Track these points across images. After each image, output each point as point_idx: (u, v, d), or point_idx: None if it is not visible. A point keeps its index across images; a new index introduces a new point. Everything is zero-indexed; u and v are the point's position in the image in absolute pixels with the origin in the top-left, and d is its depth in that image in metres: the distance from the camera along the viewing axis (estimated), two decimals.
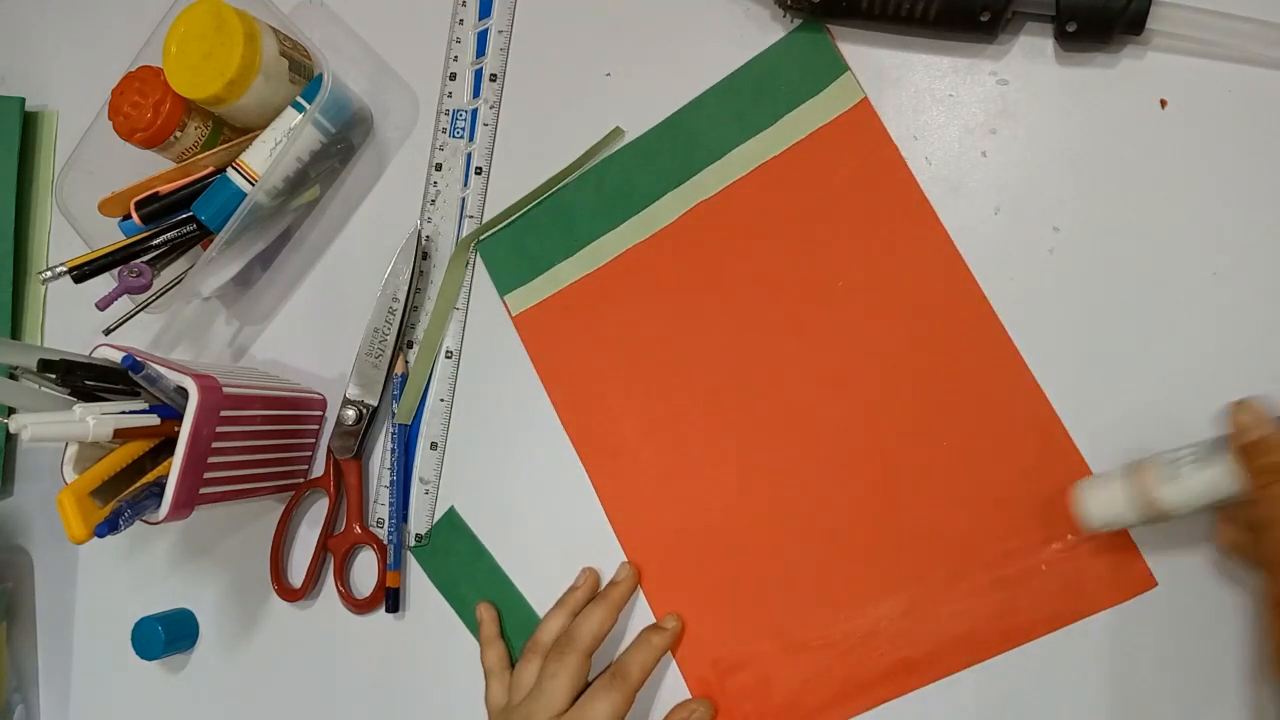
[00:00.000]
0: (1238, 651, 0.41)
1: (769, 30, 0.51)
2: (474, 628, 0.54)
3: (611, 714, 0.45)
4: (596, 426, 0.53)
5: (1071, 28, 0.43)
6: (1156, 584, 0.42)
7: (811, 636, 0.48)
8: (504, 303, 0.55)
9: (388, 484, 0.57)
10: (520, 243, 0.55)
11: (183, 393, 0.49)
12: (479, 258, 0.56)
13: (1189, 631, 0.42)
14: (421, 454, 0.56)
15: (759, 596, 0.49)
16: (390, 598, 0.55)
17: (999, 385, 0.45)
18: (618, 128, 0.53)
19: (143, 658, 0.59)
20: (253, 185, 0.54)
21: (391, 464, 0.56)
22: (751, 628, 0.49)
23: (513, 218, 0.56)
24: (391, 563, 0.55)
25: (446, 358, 0.56)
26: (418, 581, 0.56)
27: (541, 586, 0.53)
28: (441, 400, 0.56)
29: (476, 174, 0.57)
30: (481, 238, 0.56)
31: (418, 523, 0.56)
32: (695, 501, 0.50)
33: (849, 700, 0.47)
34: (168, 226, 0.56)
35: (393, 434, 0.56)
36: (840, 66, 0.49)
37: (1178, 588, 0.42)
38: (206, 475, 0.50)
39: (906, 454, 0.47)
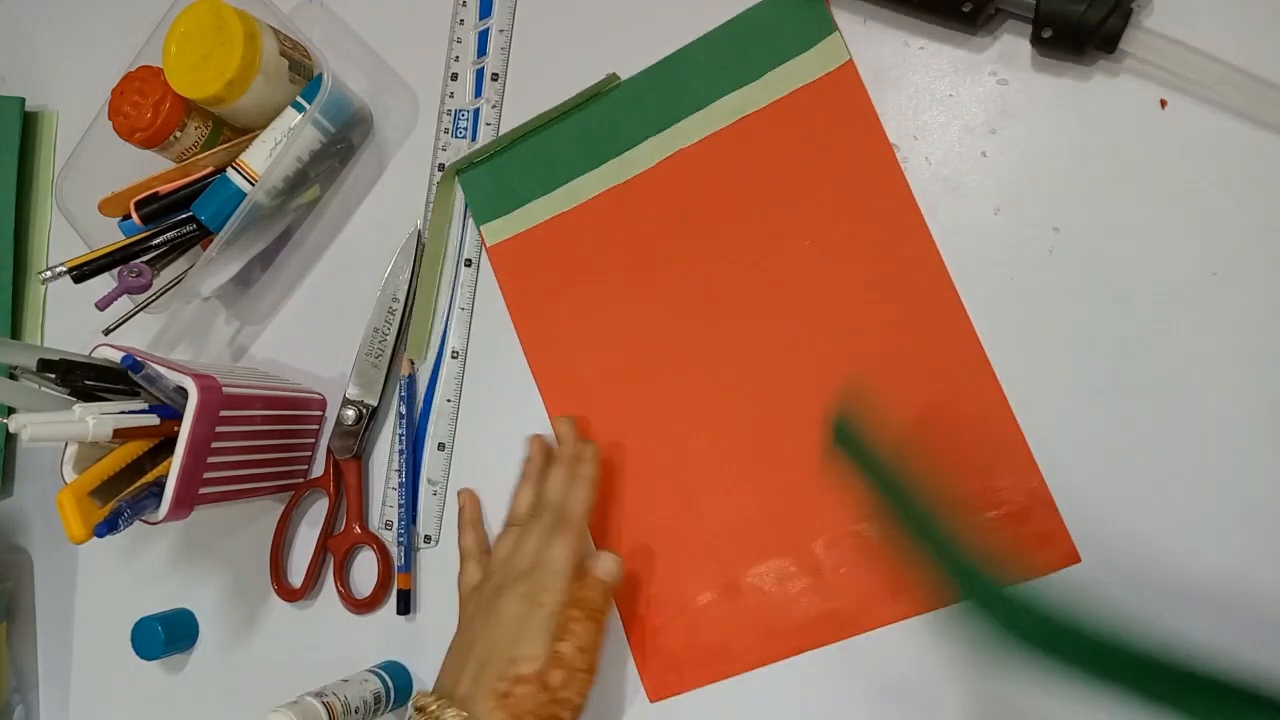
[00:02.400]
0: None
1: None
2: None
3: (569, 555, 0.46)
4: (559, 363, 0.54)
5: (1047, 34, 0.43)
6: (1081, 560, 0.43)
7: (747, 583, 0.49)
8: (480, 232, 0.56)
9: (395, 486, 0.57)
10: (501, 175, 0.56)
11: (182, 393, 0.49)
12: (460, 188, 0.57)
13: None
14: (429, 455, 0.56)
15: (702, 540, 0.50)
16: (401, 599, 0.55)
17: (951, 355, 0.46)
18: (614, 74, 0.53)
19: (143, 658, 0.59)
20: (253, 185, 0.54)
21: (400, 465, 0.56)
22: (691, 569, 0.50)
23: (497, 149, 0.56)
24: (402, 564, 0.55)
25: (453, 358, 0.56)
26: (420, 582, 0.56)
27: None
28: (449, 400, 0.56)
29: None
30: (462, 169, 0.56)
31: (426, 524, 0.56)
32: (648, 443, 0.51)
33: (773, 645, 0.48)
34: (168, 226, 0.56)
35: (400, 434, 0.56)
36: (829, 26, 0.49)
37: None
38: (206, 475, 0.50)
39: None
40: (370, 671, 0.53)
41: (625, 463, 0.52)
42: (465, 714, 0.42)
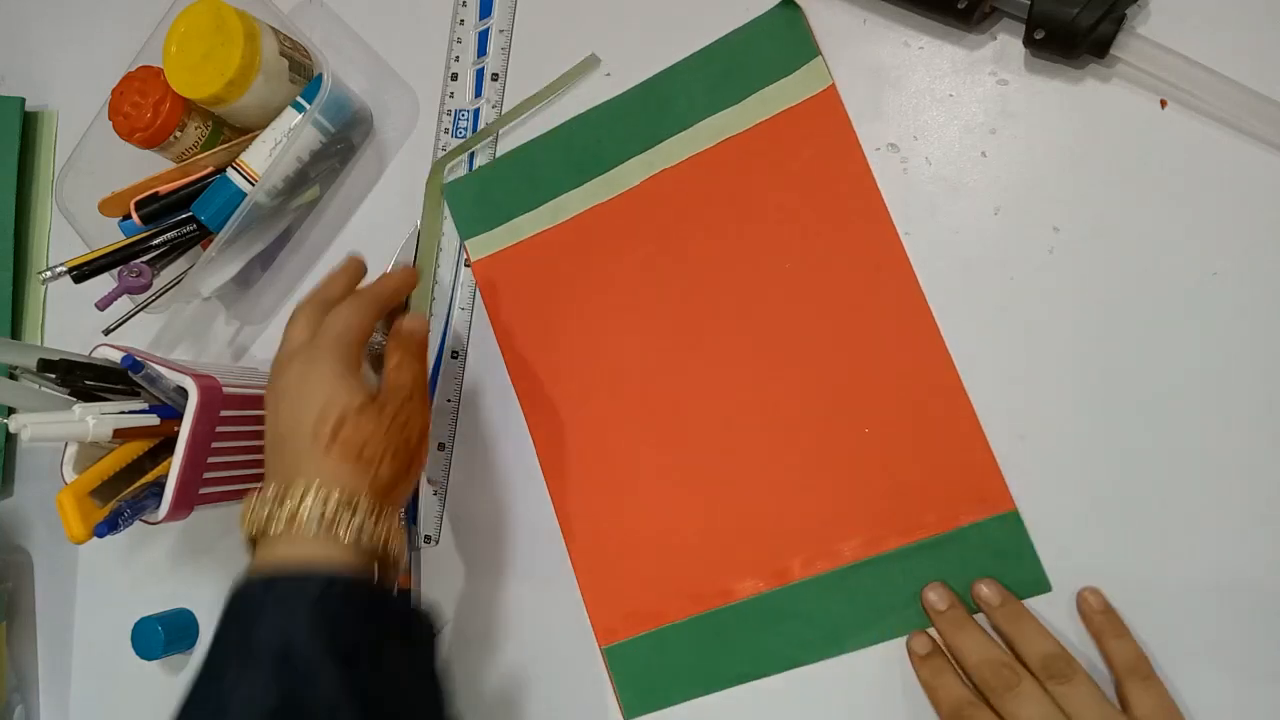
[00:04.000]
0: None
1: None
2: None
3: (352, 317, 0.45)
4: (541, 379, 0.54)
5: (1040, 35, 0.44)
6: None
7: (718, 597, 0.49)
8: (464, 247, 0.56)
9: None
10: (486, 190, 0.56)
11: (182, 393, 0.49)
12: (446, 199, 0.57)
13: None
14: (429, 455, 0.56)
15: (678, 555, 0.50)
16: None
17: (925, 376, 0.46)
18: (593, 54, 0.53)
19: (143, 658, 0.59)
20: (253, 185, 0.54)
21: None
22: (667, 583, 0.50)
23: (479, 144, 0.56)
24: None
25: (452, 358, 0.56)
26: (422, 582, 0.56)
27: (539, 584, 0.53)
28: (449, 400, 0.56)
29: None
30: (449, 180, 0.57)
31: (426, 524, 0.56)
32: (626, 460, 0.51)
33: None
34: (168, 226, 0.56)
35: None
36: (811, 50, 0.49)
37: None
38: (206, 475, 0.50)
39: (827, 434, 0.48)
40: None
41: (602, 478, 0.52)
42: (303, 481, 0.39)
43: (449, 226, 0.57)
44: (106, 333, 0.56)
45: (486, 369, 0.56)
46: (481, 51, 0.58)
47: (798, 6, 0.50)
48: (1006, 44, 0.47)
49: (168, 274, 0.57)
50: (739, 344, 0.50)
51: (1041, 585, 0.44)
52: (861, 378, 0.47)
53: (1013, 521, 0.44)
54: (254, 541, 0.40)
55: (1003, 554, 0.44)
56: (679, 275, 0.51)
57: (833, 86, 0.49)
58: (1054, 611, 0.43)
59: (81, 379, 0.50)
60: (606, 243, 0.53)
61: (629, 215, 0.52)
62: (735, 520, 0.49)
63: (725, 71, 0.51)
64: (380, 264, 0.57)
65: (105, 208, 0.57)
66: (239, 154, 0.55)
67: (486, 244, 0.56)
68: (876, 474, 0.47)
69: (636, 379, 0.52)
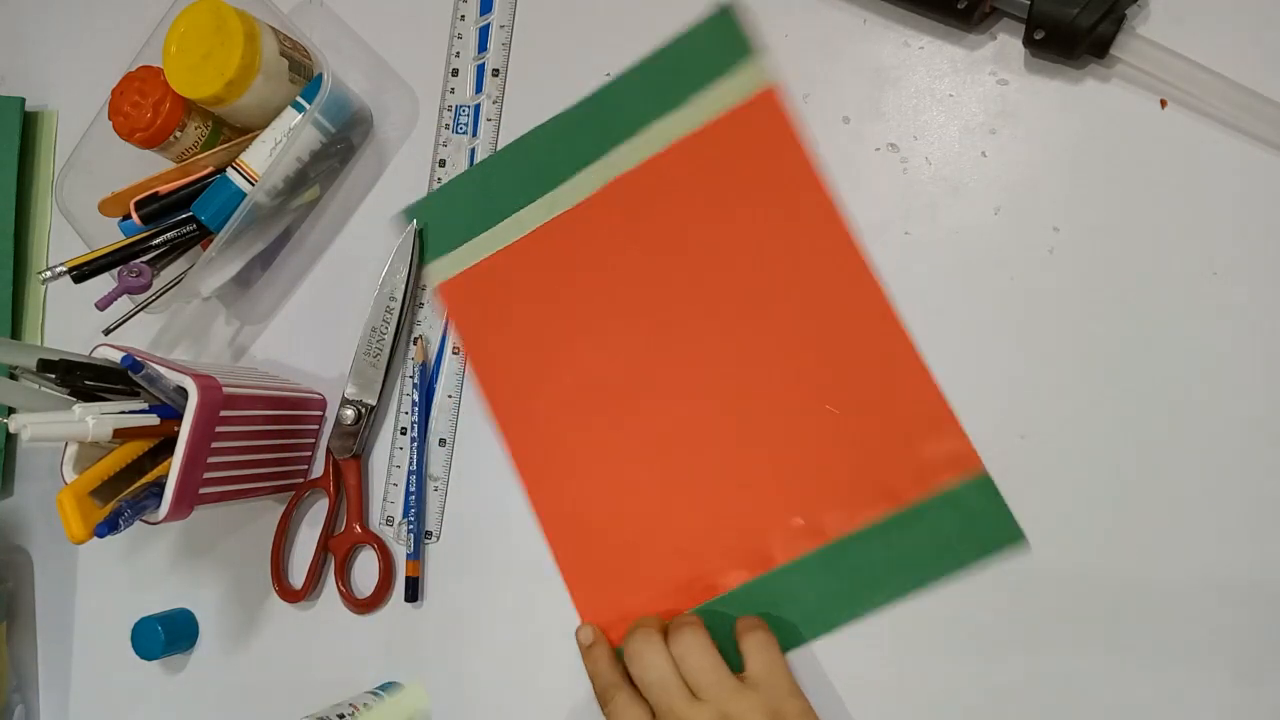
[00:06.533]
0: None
1: None
2: None
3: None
4: (514, 397, 0.54)
5: (1039, 35, 0.44)
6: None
7: (706, 591, 0.49)
8: (427, 271, 0.56)
9: (396, 483, 0.57)
10: (443, 212, 0.56)
11: (182, 393, 0.49)
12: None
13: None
14: (431, 451, 0.56)
15: (662, 555, 0.50)
16: (410, 587, 0.55)
17: (885, 370, 0.47)
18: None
19: (143, 658, 0.59)
20: (253, 185, 0.54)
21: (413, 454, 0.56)
22: (654, 584, 0.50)
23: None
24: (411, 552, 0.55)
25: (454, 354, 0.56)
26: (426, 577, 0.56)
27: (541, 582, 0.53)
28: (450, 397, 0.56)
29: None
30: (405, 207, 0.57)
31: (428, 520, 0.56)
32: (601, 466, 0.52)
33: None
34: (168, 226, 0.56)
35: (415, 422, 0.56)
36: (746, 51, 0.49)
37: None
38: (206, 475, 0.50)
39: (795, 425, 0.48)
40: (372, 694, 0.53)
41: (584, 489, 0.52)
42: None
43: None
44: (106, 333, 0.56)
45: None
46: (482, 47, 0.58)
47: (732, 7, 0.50)
48: (1006, 44, 0.47)
49: (168, 274, 0.57)
50: (706, 343, 0.50)
51: (1015, 538, 0.44)
52: (822, 367, 0.48)
53: (984, 484, 0.45)
54: None
55: (975, 516, 0.45)
56: (640, 277, 0.52)
57: (771, 86, 0.49)
58: (1050, 611, 0.43)
59: (81, 379, 0.50)
60: (565, 255, 0.53)
61: (588, 223, 0.53)
62: (715, 515, 0.49)
63: (668, 75, 0.51)
64: (377, 264, 0.57)
65: (105, 208, 0.57)
66: (239, 154, 0.55)
67: (449, 266, 0.56)
68: (847, 454, 0.47)
69: (607, 384, 0.52)
